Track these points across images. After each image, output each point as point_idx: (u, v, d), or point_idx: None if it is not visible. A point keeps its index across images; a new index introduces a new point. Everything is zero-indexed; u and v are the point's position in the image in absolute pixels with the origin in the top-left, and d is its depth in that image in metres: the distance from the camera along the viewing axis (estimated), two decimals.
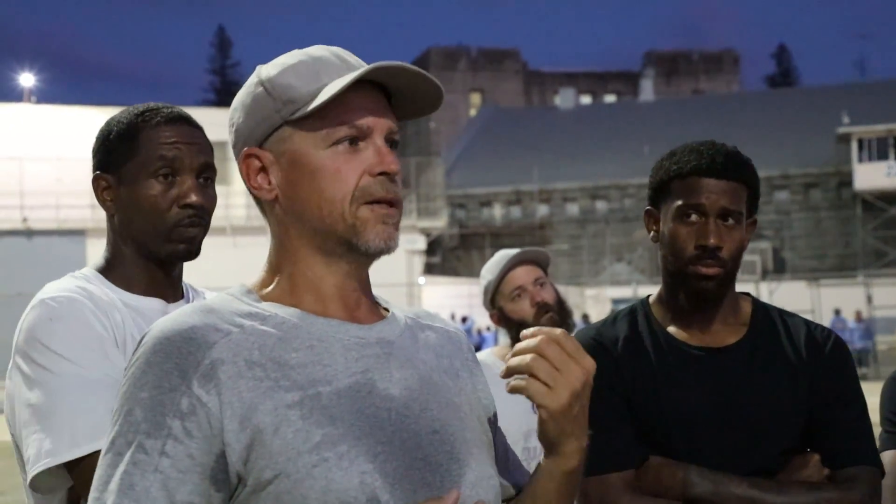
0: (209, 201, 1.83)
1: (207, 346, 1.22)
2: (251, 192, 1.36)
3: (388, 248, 1.31)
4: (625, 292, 36.30)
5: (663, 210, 2.02)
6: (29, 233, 29.85)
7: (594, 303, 39.03)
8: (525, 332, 1.30)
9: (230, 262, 21.33)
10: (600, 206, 52.27)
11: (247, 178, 1.34)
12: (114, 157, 1.82)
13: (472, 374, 1.46)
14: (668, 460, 1.92)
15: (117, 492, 1.17)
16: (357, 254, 1.31)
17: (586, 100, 73.32)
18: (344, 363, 1.27)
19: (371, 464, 1.21)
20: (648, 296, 2.13)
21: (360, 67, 1.32)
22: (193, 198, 1.79)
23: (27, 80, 37.31)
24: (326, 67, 1.33)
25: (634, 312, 2.09)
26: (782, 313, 2.09)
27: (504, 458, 1.46)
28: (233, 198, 27.07)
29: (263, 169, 1.33)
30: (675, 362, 1.98)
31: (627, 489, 1.91)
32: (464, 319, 29.06)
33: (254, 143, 1.34)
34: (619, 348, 2.01)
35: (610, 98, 75.72)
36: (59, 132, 31.27)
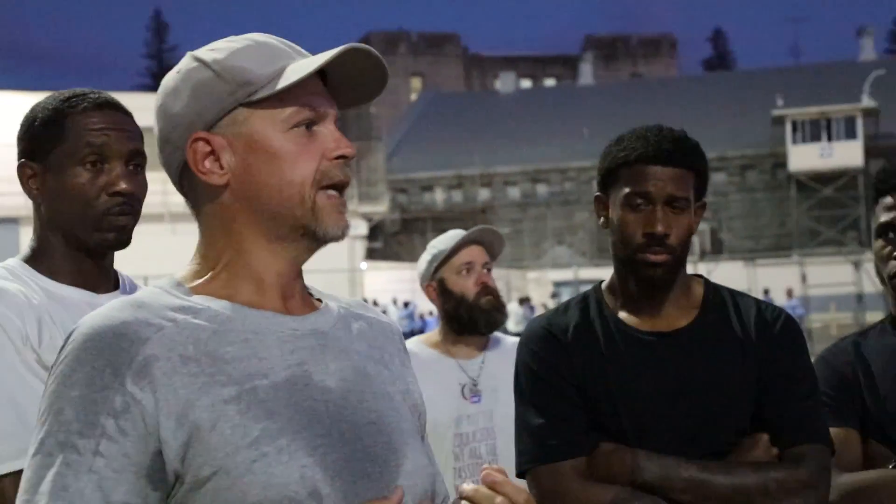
0: (139, 188, 1.78)
1: (140, 342, 1.18)
2: (199, 177, 1.30)
3: (342, 236, 1.31)
4: (566, 275, 36.56)
5: (612, 197, 2.02)
6: None
7: (536, 285, 39.24)
8: (489, 478, 1.27)
9: (169, 250, 21.10)
10: (541, 189, 52.50)
11: (194, 164, 1.30)
12: (39, 144, 1.77)
13: (403, 364, 1.46)
14: (617, 446, 1.92)
15: (49, 493, 1.14)
16: (311, 240, 1.31)
17: (526, 84, 73.51)
18: (279, 356, 1.25)
19: (311, 457, 1.20)
20: (601, 282, 2.12)
21: (305, 55, 1.33)
22: (123, 185, 1.74)
23: None
24: (278, 52, 1.32)
25: (587, 299, 2.08)
26: (734, 294, 2.09)
27: (428, 447, 1.47)
28: (172, 184, 26.71)
29: (212, 153, 1.30)
30: (624, 348, 1.99)
31: (578, 477, 1.91)
32: (405, 304, 29.07)
33: (201, 127, 1.30)
34: (570, 336, 2.00)
35: (550, 82, 76.00)
36: None
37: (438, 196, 53.39)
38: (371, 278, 33.08)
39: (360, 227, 33.65)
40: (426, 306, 32.49)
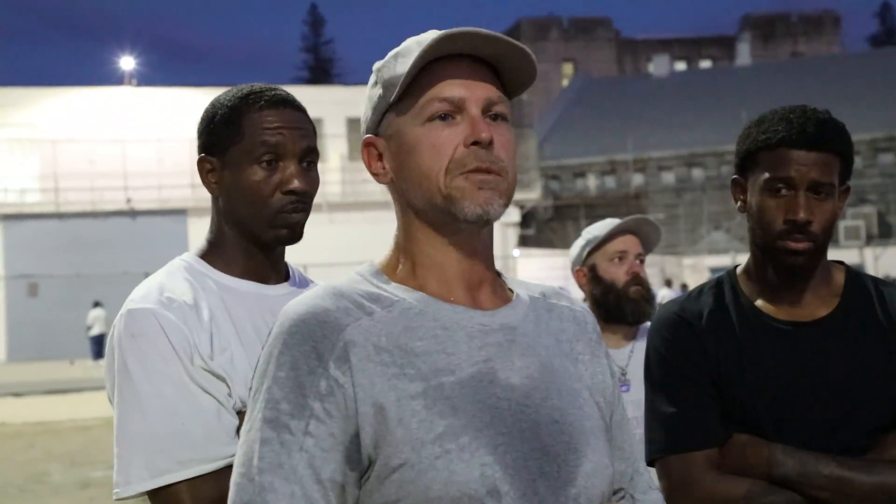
0: (311, 186, 1.84)
1: (340, 329, 1.25)
2: (374, 178, 1.40)
3: (486, 213, 1.30)
4: (723, 261, 35.69)
5: (751, 181, 1.94)
6: (133, 213, 30.66)
7: (692, 272, 38.46)
8: None
9: (326, 239, 21.61)
10: (696, 173, 51.37)
11: (367, 165, 1.39)
12: (218, 140, 1.83)
13: (595, 355, 1.46)
14: (753, 438, 1.86)
15: (267, 469, 1.20)
16: (459, 223, 1.32)
17: (681, 66, 71.96)
18: (467, 352, 1.29)
19: (491, 455, 1.23)
20: (735, 267, 2.06)
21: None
22: (296, 184, 1.80)
23: (127, 63, 38.23)
24: (422, 45, 1.33)
25: (721, 285, 2.02)
26: (878, 282, 2.00)
27: (619, 438, 1.46)
28: (327, 174, 27.39)
29: (380, 155, 1.37)
30: (761, 337, 1.92)
31: (711, 467, 1.86)
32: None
33: (371, 131, 1.39)
34: (704, 323, 1.95)
35: (705, 64, 74.19)
36: (159, 114, 31.98)
37: (591, 182, 52.91)
38: (524, 265, 33.08)
39: (512, 215, 33.66)
40: (579, 293, 32.14)
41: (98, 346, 26.02)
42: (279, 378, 1.23)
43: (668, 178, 51.90)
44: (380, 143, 1.37)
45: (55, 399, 17.76)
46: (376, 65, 1.40)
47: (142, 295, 1.76)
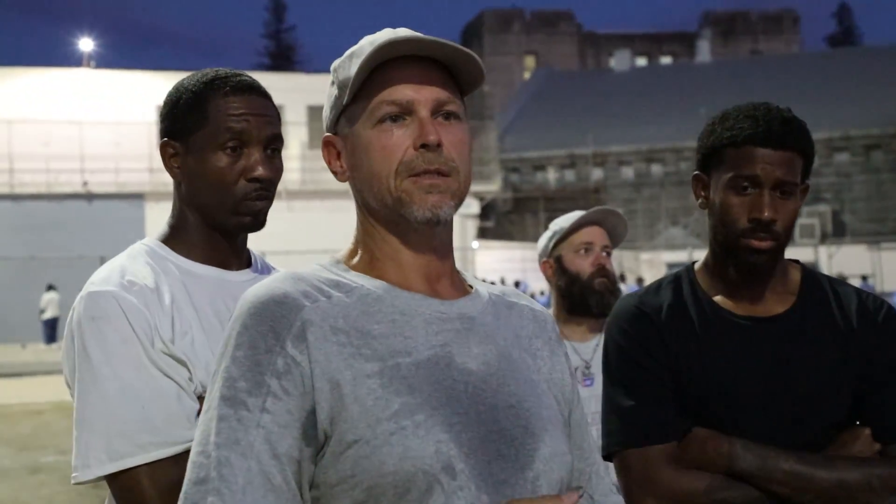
0: (275, 173, 1.83)
1: (298, 309, 1.27)
2: (333, 175, 1.43)
3: (435, 217, 1.32)
4: (680, 256, 35.98)
5: (714, 177, 1.94)
6: (89, 196, 30.31)
7: (649, 267, 38.74)
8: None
9: (285, 227, 21.50)
10: (655, 169, 51.72)
11: (328, 163, 1.42)
12: (182, 125, 1.82)
13: (554, 353, 1.48)
14: (712, 432, 1.86)
15: (224, 445, 1.22)
16: (411, 224, 1.33)
17: (642, 62, 72.41)
18: (424, 336, 1.31)
19: (447, 433, 1.24)
20: (693, 262, 2.07)
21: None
22: (261, 171, 1.79)
23: (86, 44, 37.72)
24: (374, 44, 1.34)
25: (679, 279, 2.03)
26: (833, 281, 2.02)
27: (578, 437, 1.47)
28: (288, 162, 27.22)
29: (339, 154, 1.40)
30: (720, 332, 1.93)
31: (670, 462, 1.86)
32: (516, 283, 29.05)
33: (330, 130, 1.42)
34: (663, 316, 1.96)
35: (666, 60, 74.69)
36: (118, 97, 31.61)
37: (551, 175, 53.09)
38: (482, 257, 33.14)
39: (471, 206, 33.72)
40: (537, 286, 32.40)
41: (51, 329, 25.73)
42: (237, 357, 1.25)
43: (628, 172, 52.21)
44: (338, 141, 1.40)
45: (5, 382, 17.52)
46: (334, 64, 1.41)
47: (102, 277, 1.74)
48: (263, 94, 1.85)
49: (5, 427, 12.06)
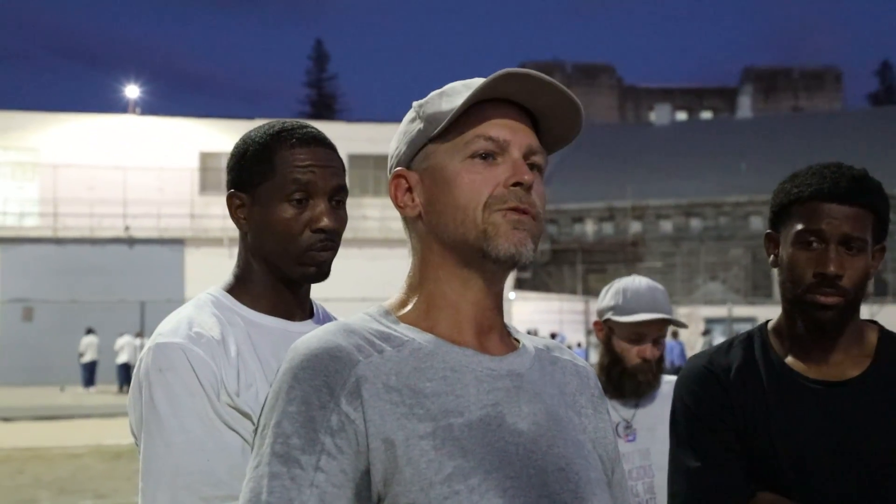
0: (340, 224, 1.83)
1: (352, 364, 1.24)
2: (398, 210, 1.40)
3: (518, 254, 1.30)
4: (719, 311, 35.65)
5: (783, 234, 1.92)
6: (130, 241, 30.67)
7: (687, 322, 38.32)
8: None
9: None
10: (695, 223, 51.49)
11: (394, 198, 1.39)
12: (249, 176, 1.84)
13: (597, 410, 1.45)
14: (779, 498, 1.82)
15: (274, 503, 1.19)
16: (490, 262, 1.31)
17: (682, 116, 72.42)
18: (476, 395, 1.28)
19: (501, 498, 1.22)
20: (767, 321, 2.02)
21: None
22: (326, 222, 1.79)
23: (132, 91, 38.43)
24: (471, 87, 1.34)
25: (751, 339, 1.99)
26: None
27: (619, 497, 1.45)
28: None
29: (409, 189, 1.37)
30: (790, 395, 1.88)
31: None
32: (553, 335, 28.92)
33: (403, 164, 1.39)
34: (732, 377, 1.93)
35: (706, 114, 74.67)
36: (161, 143, 32.09)
37: (589, 227, 53.02)
38: (519, 308, 33.07)
39: None
40: (574, 338, 32.23)
41: (89, 373, 25.91)
42: (289, 413, 1.22)
43: (666, 226, 52.02)
44: (412, 176, 1.37)
45: (44, 425, 17.61)
46: (417, 102, 1.40)
47: (171, 329, 1.75)
48: (329, 146, 1.86)
49: (44, 470, 12.12)
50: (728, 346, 2.01)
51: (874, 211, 1.88)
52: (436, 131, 1.34)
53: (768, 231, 1.99)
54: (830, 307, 1.84)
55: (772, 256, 1.98)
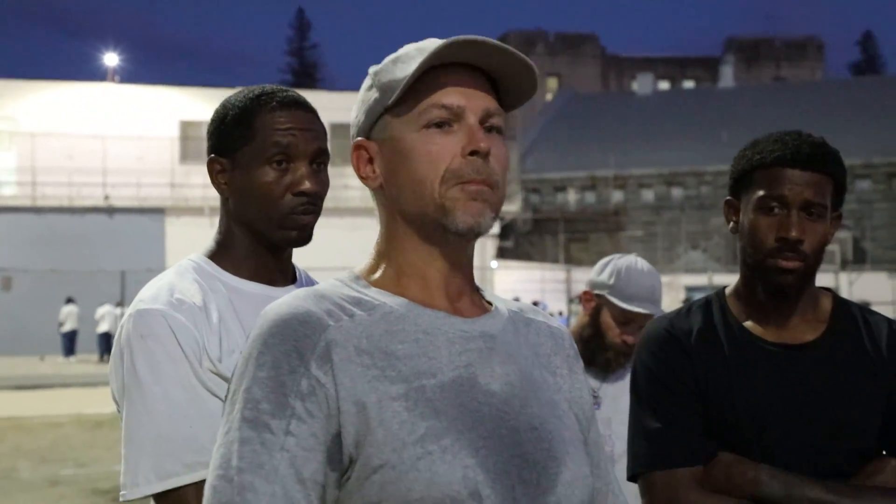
0: (322, 187, 1.83)
1: (322, 329, 1.24)
2: (362, 181, 1.39)
3: (477, 225, 1.29)
4: (700, 280, 35.86)
5: (744, 200, 1.96)
6: (110, 210, 30.49)
7: (668, 290, 38.57)
8: None
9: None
10: (676, 192, 51.66)
11: (357, 169, 1.37)
12: (229, 141, 1.83)
13: (572, 371, 1.46)
14: (738, 457, 1.86)
15: (247, 469, 1.19)
16: (449, 234, 1.31)
17: (664, 85, 72.45)
18: (448, 356, 1.28)
19: (473, 458, 1.22)
20: (724, 287, 2.07)
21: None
22: (307, 185, 1.79)
23: (111, 59, 38.07)
24: (424, 52, 1.32)
25: (710, 304, 2.03)
26: (863, 310, 2.01)
27: (595, 456, 1.45)
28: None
29: (371, 159, 1.36)
30: (749, 357, 1.93)
31: (695, 485, 1.86)
32: (534, 304, 28.99)
33: (362, 134, 1.38)
34: (693, 340, 1.96)
35: (689, 84, 74.70)
36: (141, 112, 31.85)
37: (571, 197, 53.09)
38: (501, 277, 33.15)
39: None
40: (555, 306, 32.33)
41: (69, 342, 25.86)
42: (259, 378, 1.22)
43: (648, 195, 52.17)
44: (371, 146, 1.36)
45: (25, 395, 17.59)
46: (372, 68, 1.39)
47: (151, 295, 1.75)
48: (309, 109, 1.85)
49: (25, 439, 12.11)
50: (687, 310, 2.05)
51: (834, 178, 1.92)
52: (390, 101, 1.32)
53: (728, 198, 2.02)
54: (791, 271, 1.89)
55: (732, 223, 2.01)
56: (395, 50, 1.40)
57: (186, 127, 31.56)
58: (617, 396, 2.89)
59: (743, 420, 1.89)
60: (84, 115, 31.47)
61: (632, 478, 1.95)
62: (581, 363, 1.49)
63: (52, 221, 29.55)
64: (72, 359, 25.47)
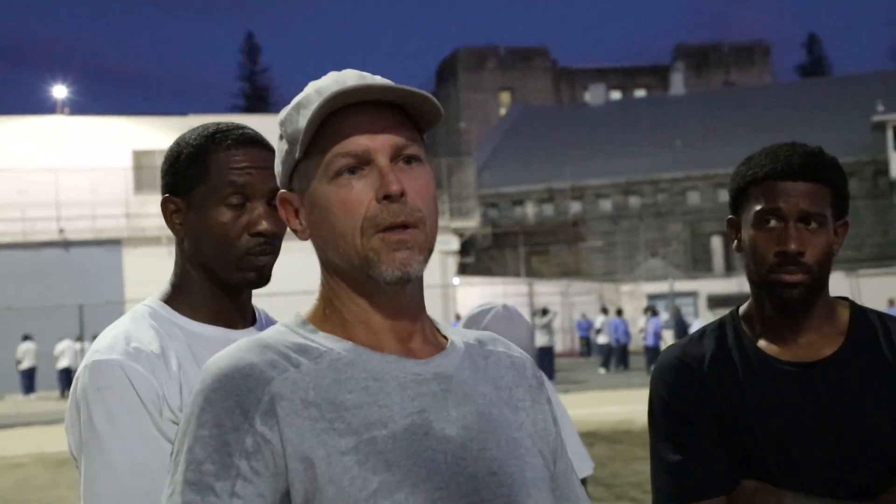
0: (280, 227, 1.75)
1: (266, 382, 1.18)
2: (296, 235, 1.34)
3: (405, 275, 1.24)
4: (660, 287, 36.10)
5: (743, 218, 1.91)
6: (66, 244, 30.10)
7: (630, 298, 38.81)
8: None
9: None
10: (633, 201, 52.02)
11: (287, 222, 1.32)
12: (183, 180, 1.77)
13: (535, 401, 1.39)
14: (761, 484, 1.81)
15: None
16: (379, 286, 1.25)
17: (616, 95, 73.04)
18: (400, 403, 1.22)
19: None
20: (738, 307, 2.01)
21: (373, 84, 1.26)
22: (265, 225, 1.73)
23: (60, 91, 37.68)
24: (322, 94, 1.26)
25: (723, 326, 1.97)
26: (883, 317, 1.93)
27: (564, 488, 1.40)
28: None
29: (297, 211, 1.31)
30: (765, 379, 1.87)
31: None
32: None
33: (284, 186, 1.32)
34: (706, 367, 1.90)
35: (640, 93, 75.36)
36: (93, 143, 31.51)
37: (529, 210, 53.29)
38: (464, 293, 33.13)
39: (451, 243, 33.74)
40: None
41: (28, 380, 25.45)
42: (201, 437, 1.16)
43: (606, 205, 52.49)
44: (294, 198, 1.30)
45: None
46: (280, 116, 1.32)
47: (107, 345, 1.68)
48: (266, 147, 1.79)
49: None
50: (700, 335, 1.99)
51: (831, 185, 1.87)
52: (297, 154, 1.27)
53: (729, 217, 1.98)
54: (795, 285, 1.83)
55: (735, 241, 1.96)
56: (344, 68, 1.34)
57: (140, 156, 31.26)
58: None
59: (762, 445, 1.83)
60: (35, 148, 31.09)
61: None
62: (545, 392, 1.43)
63: (5, 258, 29.11)
64: (32, 396, 25.08)
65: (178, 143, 1.80)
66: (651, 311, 26.12)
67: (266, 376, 1.18)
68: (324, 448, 1.15)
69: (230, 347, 1.24)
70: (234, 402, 1.16)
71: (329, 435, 1.16)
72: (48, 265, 29.20)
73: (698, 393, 1.86)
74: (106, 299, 23.63)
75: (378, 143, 1.25)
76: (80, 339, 24.69)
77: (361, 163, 1.24)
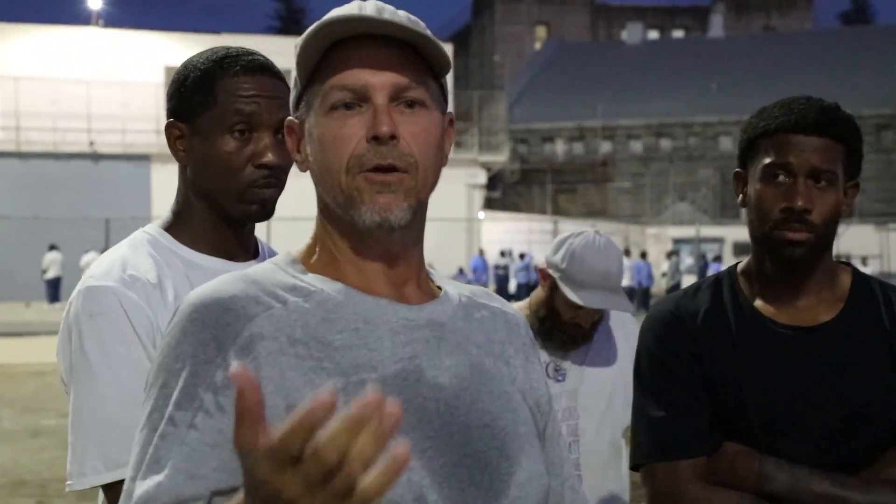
0: (286, 159, 1.69)
1: (247, 319, 1.15)
2: (297, 167, 1.30)
3: (385, 221, 1.18)
4: (687, 232, 35.91)
5: (751, 171, 1.84)
6: (95, 156, 30.24)
7: (655, 241, 38.68)
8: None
9: (290, 193, 21.40)
10: (664, 143, 51.55)
11: (290, 151, 1.28)
12: (189, 105, 1.71)
13: (528, 360, 1.36)
14: (744, 448, 1.76)
15: (144, 467, 1.11)
16: (362, 227, 1.20)
17: (654, 35, 71.91)
18: (391, 348, 1.18)
19: (418, 460, 1.13)
20: (736, 263, 1.95)
21: (374, 16, 1.19)
22: (270, 157, 1.68)
23: (95, 2, 37.54)
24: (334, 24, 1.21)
25: (720, 283, 1.91)
26: (885, 287, 1.87)
27: (551, 451, 1.35)
28: None
29: (300, 140, 1.26)
30: (758, 340, 1.81)
31: (697, 478, 1.77)
32: (521, 256, 29.01)
33: (293, 114, 1.28)
34: (699, 322, 1.85)
35: (678, 34, 74.15)
36: (126, 57, 31.47)
37: (559, 147, 52.94)
38: (488, 228, 33.12)
39: (479, 177, 33.61)
40: (541, 257, 32.13)
41: (54, 289, 25.77)
42: (174, 369, 1.13)
43: (636, 146, 52.05)
44: (298, 127, 1.26)
45: (9, 342, 17.53)
46: (298, 39, 1.26)
47: (103, 270, 1.65)
48: (276, 76, 1.73)
49: (8, 388, 12.08)
50: (696, 289, 1.93)
51: (845, 143, 1.80)
52: (301, 81, 1.22)
53: (737, 170, 1.90)
54: (799, 243, 1.77)
55: (740, 196, 1.89)
56: None
57: (172, 72, 31.01)
58: (583, 366, 2.81)
59: (750, 407, 1.79)
60: (68, 59, 31.08)
61: (634, 467, 1.87)
62: (537, 352, 1.40)
63: (35, 167, 29.30)
64: (56, 305, 25.39)
65: (185, 66, 1.75)
66: (674, 254, 25.98)
67: (249, 312, 1.15)
68: (310, 387, 1.11)
69: (215, 280, 1.20)
70: (211, 335, 1.13)
71: (317, 374, 1.13)
72: (77, 177, 29.38)
73: (689, 349, 1.82)
74: (132, 215, 23.78)
75: (378, 80, 1.19)
76: (105, 252, 24.93)
77: (359, 98, 1.19)
